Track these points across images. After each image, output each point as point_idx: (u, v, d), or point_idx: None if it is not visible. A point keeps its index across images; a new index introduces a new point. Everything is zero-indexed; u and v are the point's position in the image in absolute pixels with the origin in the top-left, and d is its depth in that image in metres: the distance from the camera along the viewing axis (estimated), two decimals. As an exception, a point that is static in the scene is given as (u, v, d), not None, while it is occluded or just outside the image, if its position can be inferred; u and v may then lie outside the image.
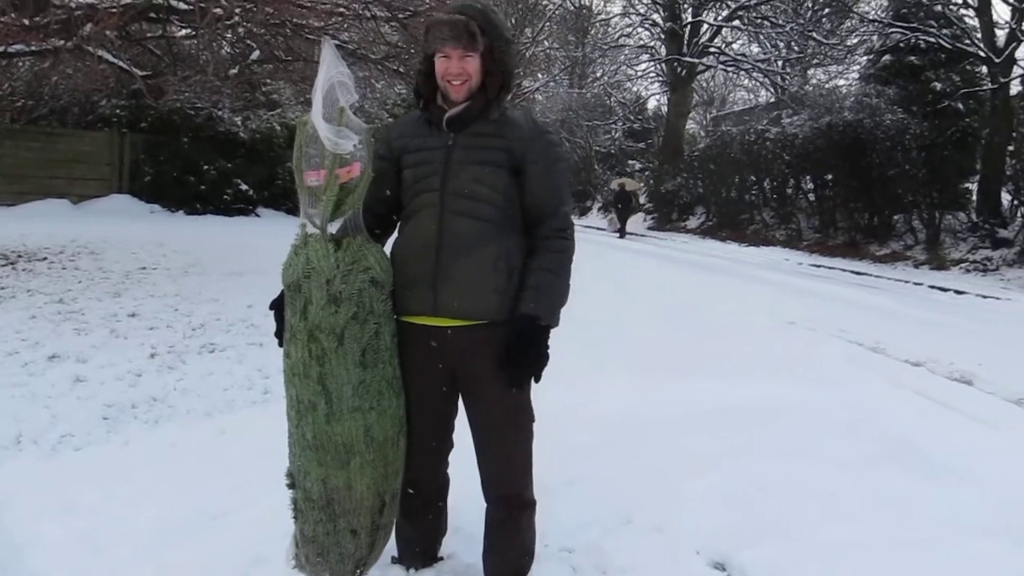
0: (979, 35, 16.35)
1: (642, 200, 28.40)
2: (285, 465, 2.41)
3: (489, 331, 2.24)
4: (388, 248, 2.40)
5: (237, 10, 6.46)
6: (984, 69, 16.86)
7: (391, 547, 2.61)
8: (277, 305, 2.32)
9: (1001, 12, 16.66)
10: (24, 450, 4.16)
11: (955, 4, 17.51)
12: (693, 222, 25.15)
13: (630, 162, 32.30)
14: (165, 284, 8.00)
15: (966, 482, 3.81)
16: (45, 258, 9.01)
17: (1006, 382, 6.08)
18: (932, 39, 17.06)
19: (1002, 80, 15.27)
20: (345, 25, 8.88)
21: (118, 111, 15.52)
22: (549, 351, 2.25)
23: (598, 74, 37.96)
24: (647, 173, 29.96)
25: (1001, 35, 15.92)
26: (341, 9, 9.04)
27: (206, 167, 15.46)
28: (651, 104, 38.85)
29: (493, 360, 2.23)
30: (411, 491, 2.45)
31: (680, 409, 4.72)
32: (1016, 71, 15.63)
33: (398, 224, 2.43)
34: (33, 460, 4.06)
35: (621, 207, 23.82)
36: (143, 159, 15.50)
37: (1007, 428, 5.01)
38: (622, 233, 23.36)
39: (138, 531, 3.21)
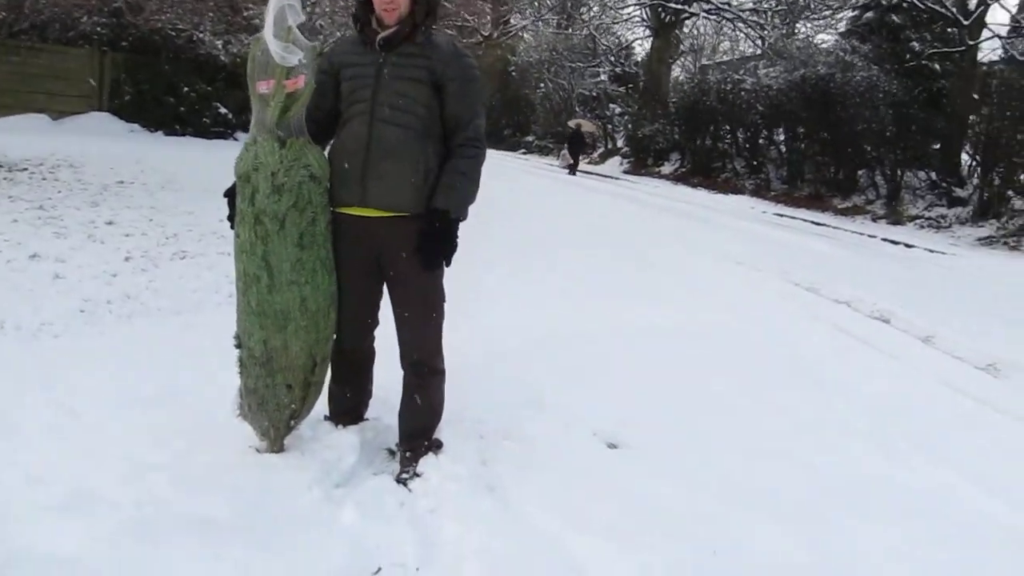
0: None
1: (619, 144, 29.12)
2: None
3: (408, 222, 2.69)
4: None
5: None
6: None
7: (325, 408, 3.08)
8: (230, 193, 2.75)
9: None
10: (7, 334, 4.51)
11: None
12: (667, 168, 25.53)
13: (611, 106, 32.47)
14: (142, 197, 8.35)
15: (848, 397, 4.32)
16: (26, 169, 9.29)
17: (921, 323, 6.55)
18: (907, -1, 17.33)
19: (970, 43, 15.60)
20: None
21: (99, 29, 15.56)
22: (458, 240, 2.70)
23: (587, 17, 37.79)
24: (625, 117, 30.22)
25: (974, -1, 16.21)
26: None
27: (186, 89, 15.61)
28: (640, 50, 38.86)
29: (410, 247, 2.68)
30: (341, 358, 2.91)
31: (608, 326, 5.22)
32: (985, 34, 15.93)
33: (337, 129, 2.84)
34: (15, 343, 4.42)
35: (573, 145, 25.32)
36: (123, 78, 15.59)
37: (906, 359, 5.52)
38: (573, 169, 24.78)
39: (110, 400, 3.60)
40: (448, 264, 2.73)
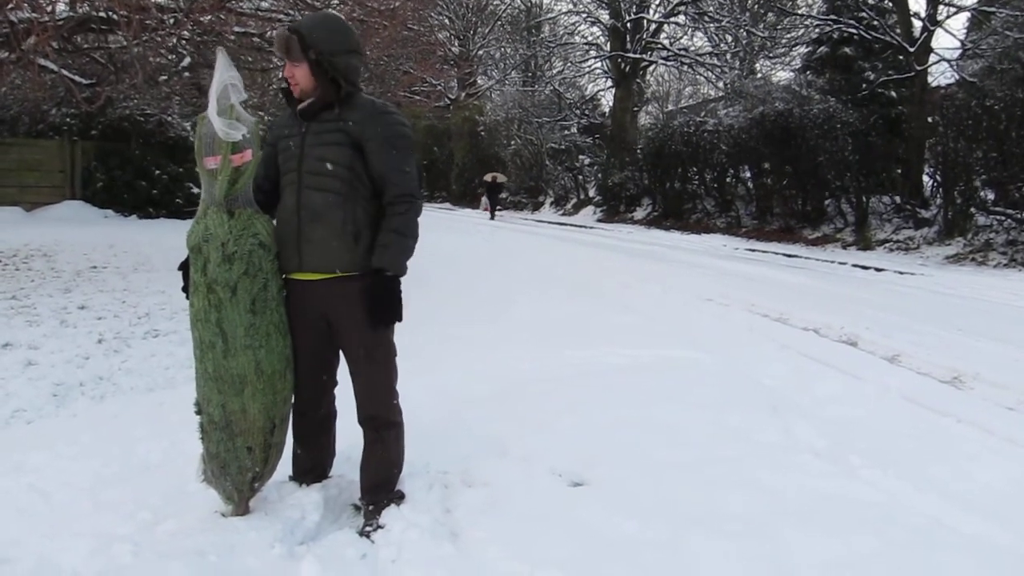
0: (898, 27, 17.14)
1: (591, 194, 29.80)
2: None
3: (345, 282, 2.81)
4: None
5: (170, 21, 6.92)
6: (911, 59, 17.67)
7: (290, 468, 3.15)
8: (184, 266, 2.86)
9: (920, 5, 17.32)
10: (-22, 425, 4.58)
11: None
12: (640, 213, 25.87)
13: (581, 157, 32.96)
14: (114, 280, 8.44)
15: (809, 420, 4.40)
16: (-1, 261, 9.40)
17: (887, 343, 6.67)
18: (854, 31, 17.84)
19: (918, 68, 16.06)
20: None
21: (68, 119, 15.82)
22: (402, 295, 2.80)
23: (551, 72, 38.59)
24: (595, 167, 30.72)
25: (919, 25, 16.71)
26: (280, 16, 9.60)
27: (157, 172, 15.82)
28: (605, 101, 39.56)
29: (351, 306, 2.79)
30: (300, 419, 2.99)
31: (573, 369, 5.31)
32: (933, 58, 16.41)
33: None
34: (-13, 433, 4.49)
35: (491, 194, 29.97)
36: (95, 166, 15.80)
37: (871, 379, 5.61)
38: (492, 215, 29.41)
39: (80, 479, 3.65)
40: (400, 319, 2.83)
